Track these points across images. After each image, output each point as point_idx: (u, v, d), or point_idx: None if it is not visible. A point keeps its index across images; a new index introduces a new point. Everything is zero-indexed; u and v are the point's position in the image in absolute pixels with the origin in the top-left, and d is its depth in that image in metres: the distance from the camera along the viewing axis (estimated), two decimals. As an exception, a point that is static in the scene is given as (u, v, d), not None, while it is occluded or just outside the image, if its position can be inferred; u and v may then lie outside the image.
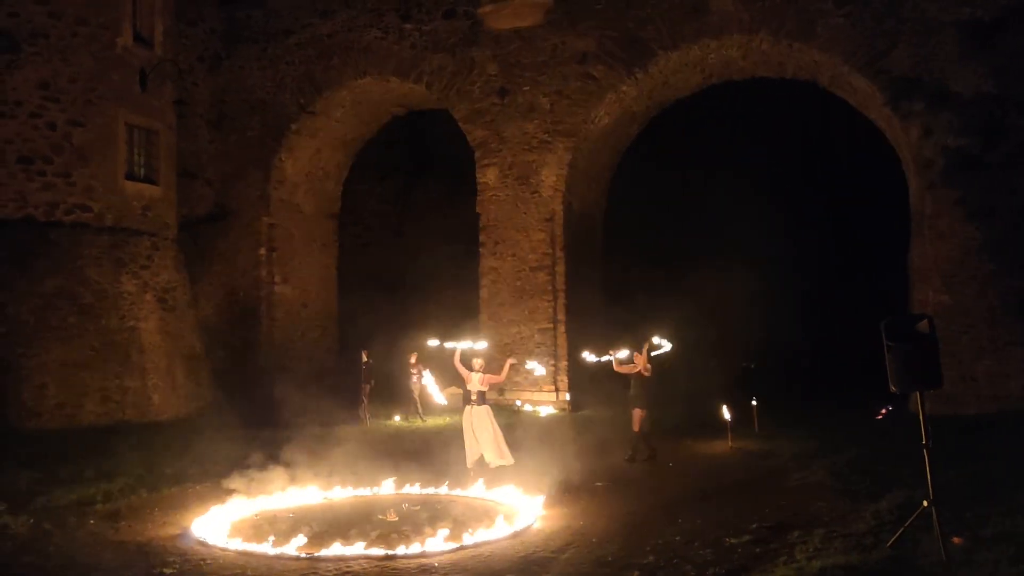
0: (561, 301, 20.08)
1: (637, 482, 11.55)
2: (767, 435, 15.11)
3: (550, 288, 20.05)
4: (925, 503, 7.45)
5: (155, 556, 8.17)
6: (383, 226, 28.23)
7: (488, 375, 12.11)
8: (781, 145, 23.55)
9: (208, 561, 7.95)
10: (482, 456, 11.64)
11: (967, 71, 16.68)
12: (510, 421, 15.89)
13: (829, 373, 21.28)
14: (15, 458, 12.91)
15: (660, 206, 23.98)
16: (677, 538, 8.27)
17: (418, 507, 10.07)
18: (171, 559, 8.04)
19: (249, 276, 22.60)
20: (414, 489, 11.10)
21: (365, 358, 19.35)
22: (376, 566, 7.64)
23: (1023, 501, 8.66)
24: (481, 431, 11.64)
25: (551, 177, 20.19)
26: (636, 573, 7.25)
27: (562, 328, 20.01)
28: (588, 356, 14.04)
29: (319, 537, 8.56)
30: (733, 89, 21.92)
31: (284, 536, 8.50)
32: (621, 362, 13.42)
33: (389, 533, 8.71)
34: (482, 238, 20.68)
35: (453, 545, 8.13)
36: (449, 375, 14.08)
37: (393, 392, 19.79)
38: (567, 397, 19.62)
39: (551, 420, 18.26)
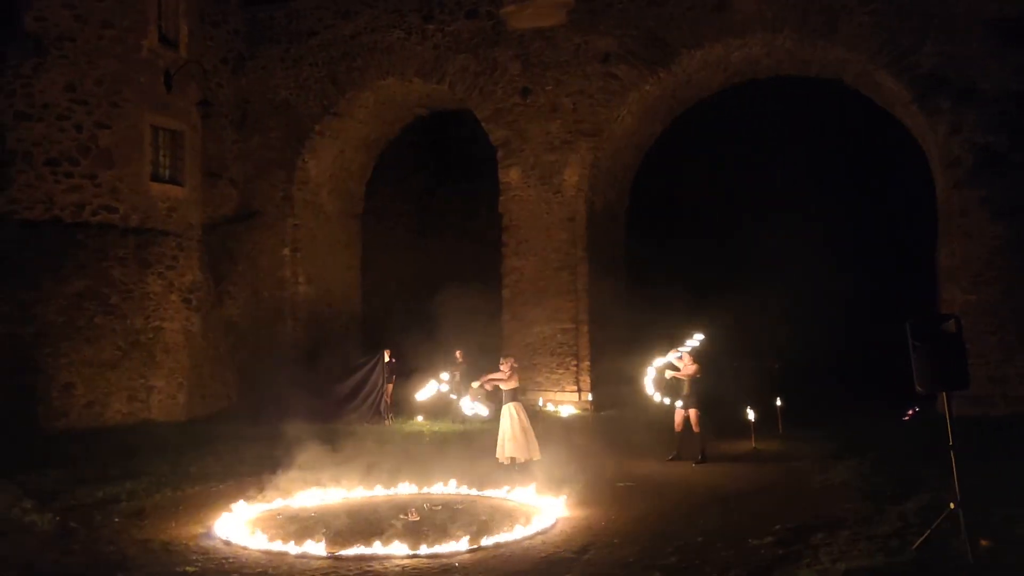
0: (583, 301, 20.02)
1: (658, 483, 11.49)
2: (791, 436, 15.00)
3: (572, 288, 19.99)
4: (952, 505, 7.35)
5: (178, 554, 8.23)
6: (406, 226, 28.29)
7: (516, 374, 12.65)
8: (806, 144, 23.34)
9: (231, 560, 8.00)
10: (529, 446, 12.04)
11: (994, 68, 16.44)
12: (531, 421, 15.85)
13: (855, 373, 21.06)
14: (42, 457, 13.09)
15: (684, 206, 23.86)
16: (699, 539, 8.22)
17: (440, 507, 10.08)
18: (194, 557, 8.10)
19: (273, 276, 22.71)
20: (436, 489, 11.11)
21: (387, 357, 19.40)
22: (397, 566, 7.65)
23: (1053, 504, 8.53)
24: (519, 427, 12.04)
25: (574, 177, 20.14)
26: (658, 574, 7.21)
27: (584, 328, 19.95)
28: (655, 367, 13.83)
29: (341, 537, 8.59)
30: (756, 88, 21.76)
31: (306, 535, 8.53)
32: (673, 366, 13.46)
33: (411, 533, 8.72)
34: (504, 238, 20.66)
35: (474, 545, 8.12)
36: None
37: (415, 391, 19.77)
38: (589, 397, 19.56)
39: (573, 420, 18.21)
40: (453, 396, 17.72)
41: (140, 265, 18.28)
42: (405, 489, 11.19)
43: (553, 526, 8.97)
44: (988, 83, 16.50)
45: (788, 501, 9.94)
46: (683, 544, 8.05)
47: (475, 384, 13.06)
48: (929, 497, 9.02)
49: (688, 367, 13.22)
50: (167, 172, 19.33)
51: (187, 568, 7.75)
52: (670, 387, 13.79)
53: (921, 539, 7.46)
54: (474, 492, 10.99)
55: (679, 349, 13.46)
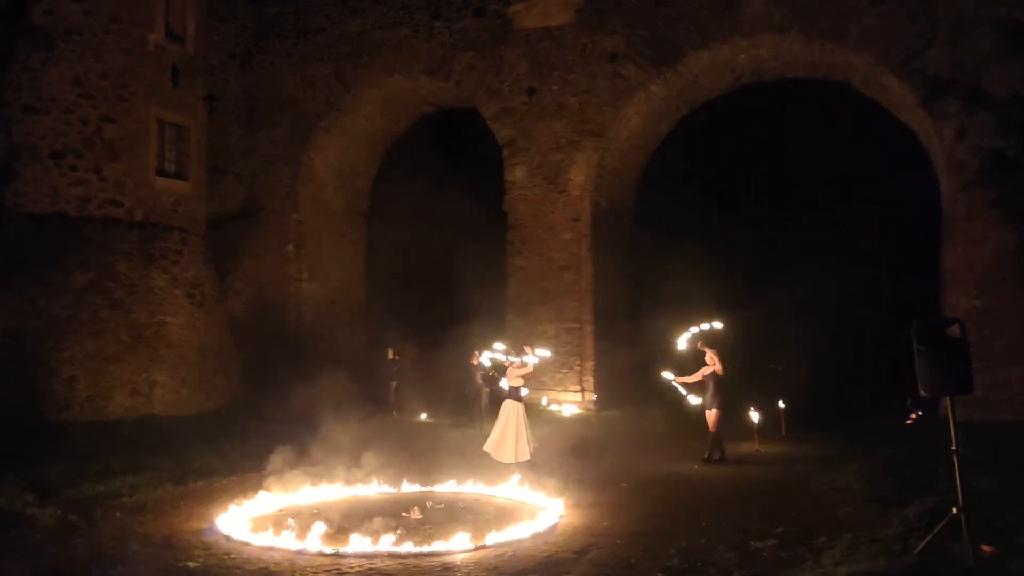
0: (588, 301, 20.01)
1: (661, 483, 11.48)
2: (795, 438, 14.97)
3: (577, 288, 19.99)
4: (955, 510, 7.33)
5: (180, 549, 8.24)
6: (411, 224, 28.25)
7: (522, 370, 12.83)
8: (811, 147, 23.27)
9: (233, 555, 8.00)
10: (516, 449, 12.06)
11: (1003, 72, 16.38)
12: (532, 420, 15.85)
13: (859, 376, 21.01)
14: (44, 450, 13.09)
15: (689, 207, 23.80)
16: (702, 540, 8.21)
17: (442, 505, 10.08)
18: (196, 552, 8.10)
19: (278, 272, 22.74)
20: (438, 487, 11.11)
21: (392, 356, 19.40)
22: (399, 563, 7.65)
23: (1056, 510, 8.50)
24: (517, 426, 12.17)
25: (579, 176, 20.13)
26: (660, 575, 7.20)
27: (588, 328, 19.95)
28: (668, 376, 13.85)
29: (343, 533, 8.58)
30: (763, 90, 21.73)
31: (308, 532, 8.53)
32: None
33: (413, 531, 8.72)
34: (510, 237, 20.66)
35: (476, 544, 8.12)
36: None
37: (423, 391, 19.75)
38: (593, 397, 19.55)
39: (575, 420, 18.20)
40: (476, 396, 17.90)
41: (145, 260, 18.29)
42: (408, 487, 11.19)
43: (555, 526, 8.96)
44: (996, 87, 16.44)
45: (791, 503, 9.92)
46: (685, 545, 8.04)
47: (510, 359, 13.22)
48: (932, 501, 8.99)
49: (710, 366, 13.23)
50: (173, 167, 19.33)
51: (189, 563, 7.75)
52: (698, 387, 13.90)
53: (923, 543, 7.44)
54: (477, 491, 10.99)
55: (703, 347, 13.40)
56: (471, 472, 11.58)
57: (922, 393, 7.61)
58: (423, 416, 18.79)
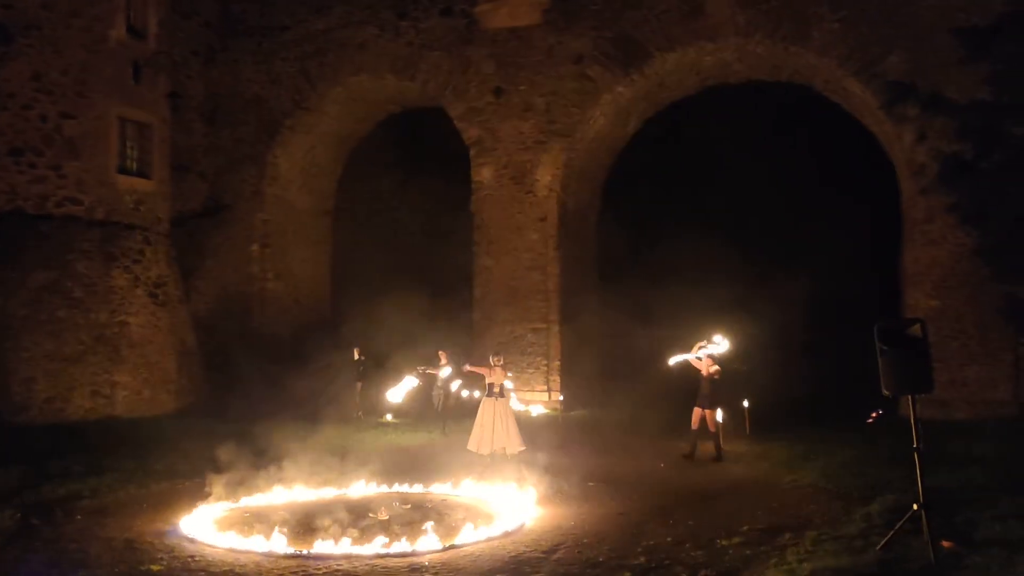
0: (555, 301, 20.07)
1: (628, 483, 11.53)
2: (759, 438, 15.12)
3: (544, 288, 20.04)
4: (915, 506, 7.46)
5: (143, 552, 8.11)
6: (378, 223, 28.15)
7: (504, 370, 13.32)
8: (775, 148, 23.53)
9: (196, 558, 7.90)
10: (498, 446, 12.59)
11: (962, 77, 16.70)
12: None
13: (820, 376, 21.28)
14: (2, 452, 12.82)
15: (654, 208, 23.96)
16: (668, 539, 8.26)
17: (409, 506, 10.04)
18: (159, 555, 7.98)
19: (242, 272, 22.52)
20: (405, 488, 11.07)
21: (357, 356, 19.28)
22: (366, 564, 7.60)
23: (1013, 506, 8.69)
24: (507, 420, 12.72)
25: (546, 177, 20.17)
26: (627, 574, 7.23)
27: (555, 328, 20.00)
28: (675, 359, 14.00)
29: (309, 535, 8.52)
30: (728, 92, 21.94)
31: (273, 533, 8.45)
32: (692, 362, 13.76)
33: (380, 531, 8.67)
34: (476, 237, 20.65)
35: (444, 544, 8.10)
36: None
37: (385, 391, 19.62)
38: (560, 397, 19.60)
39: (543, 420, 18.23)
40: (437, 399, 17.55)
41: (105, 258, 18.02)
42: (375, 488, 11.13)
43: (522, 525, 8.97)
44: (955, 91, 16.75)
45: (756, 502, 10.02)
46: (652, 544, 8.09)
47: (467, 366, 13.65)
48: (894, 499, 9.15)
49: (708, 367, 13.41)
50: (134, 165, 19.07)
51: (152, 567, 7.64)
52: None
53: (885, 540, 7.56)
54: (445, 491, 10.97)
55: (702, 347, 13.55)
56: (439, 473, 11.56)
57: (885, 392, 7.74)
58: (388, 417, 18.70)
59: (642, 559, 7.60)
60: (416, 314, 18.95)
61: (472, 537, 8.36)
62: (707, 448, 13.42)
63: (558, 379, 19.88)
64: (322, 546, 8.02)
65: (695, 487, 11.17)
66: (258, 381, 17.27)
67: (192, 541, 8.42)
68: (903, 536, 7.53)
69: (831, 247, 21.56)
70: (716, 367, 13.40)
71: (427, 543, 8.07)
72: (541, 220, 20.19)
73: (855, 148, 21.26)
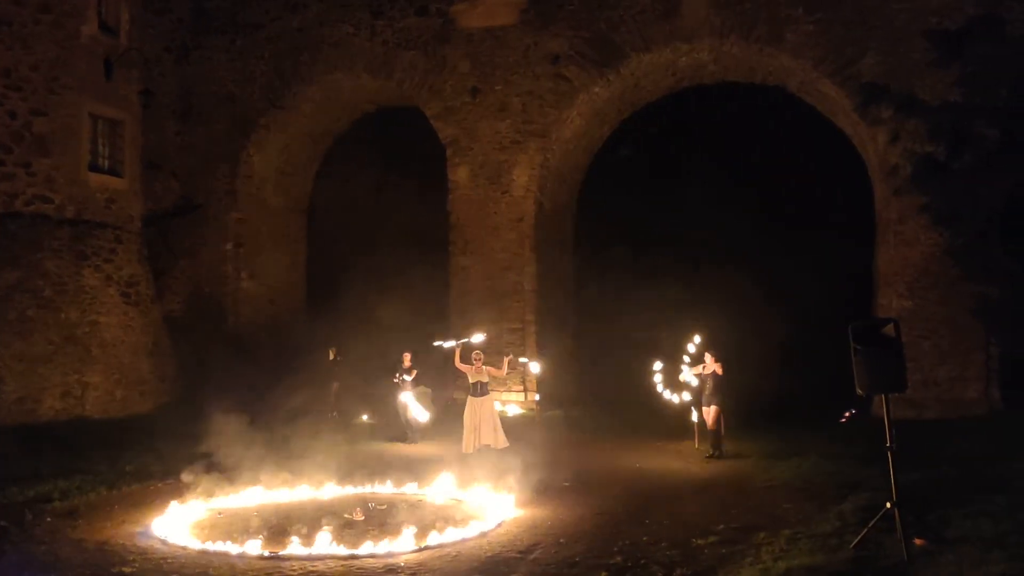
0: (531, 302, 20.04)
1: (604, 482, 11.55)
2: (734, 437, 15.18)
3: (520, 288, 20.00)
4: (888, 505, 7.54)
5: (114, 554, 8.02)
6: (353, 222, 27.99)
7: (489, 367, 13.30)
8: (750, 149, 23.68)
9: (169, 560, 7.82)
10: (483, 444, 12.76)
11: (934, 79, 16.90)
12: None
13: (793, 376, 21.44)
14: (-29, 454, 12.64)
15: (630, 208, 24.02)
16: (644, 538, 8.28)
17: (385, 506, 10.00)
18: (131, 557, 7.90)
19: (215, 271, 22.30)
20: (380, 488, 11.02)
21: (332, 356, 19.17)
22: (341, 565, 7.56)
23: (984, 504, 8.79)
24: (488, 418, 12.87)
25: (523, 177, 20.15)
26: (604, 573, 7.24)
27: (532, 328, 19.97)
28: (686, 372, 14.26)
29: (283, 536, 8.45)
30: (704, 93, 22.05)
31: (247, 535, 8.38)
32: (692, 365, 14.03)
33: (355, 532, 8.63)
34: (452, 237, 20.59)
35: (420, 545, 8.07)
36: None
37: (364, 394, 19.46)
38: (536, 397, 19.57)
39: (519, 420, 18.21)
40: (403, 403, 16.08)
41: (76, 257, 17.78)
42: (350, 488, 11.07)
43: (499, 525, 8.96)
44: (928, 93, 16.96)
45: (731, 501, 10.07)
46: (628, 543, 8.10)
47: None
48: (867, 497, 9.23)
49: (710, 365, 13.57)
50: (106, 162, 18.84)
51: (124, 569, 7.55)
52: (687, 386, 14.36)
53: (859, 538, 7.63)
54: (420, 491, 10.93)
55: (701, 363, 13.78)
56: (413, 473, 11.52)
57: (858, 391, 7.81)
58: (364, 417, 18.60)
59: (618, 558, 7.61)
60: (392, 314, 18.85)
61: (449, 537, 8.33)
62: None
63: (534, 379, 19.85)
64: (296, 547, 7.96)
65: (671, 487, 11.21)
66: (232, 382, 17.11)
67: (165, 543, 8.34)
68: (876, 534, 7.60)
69: (804, 248, 21.71)
70: (718, 364, 13.56)
71: (403, 543, 8.04)
72: (518, 220, 20.16)
73: (828, 150, 21.42)
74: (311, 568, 7.50)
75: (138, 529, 8.93)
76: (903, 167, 17.11)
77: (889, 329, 7.76)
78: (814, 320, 19.68)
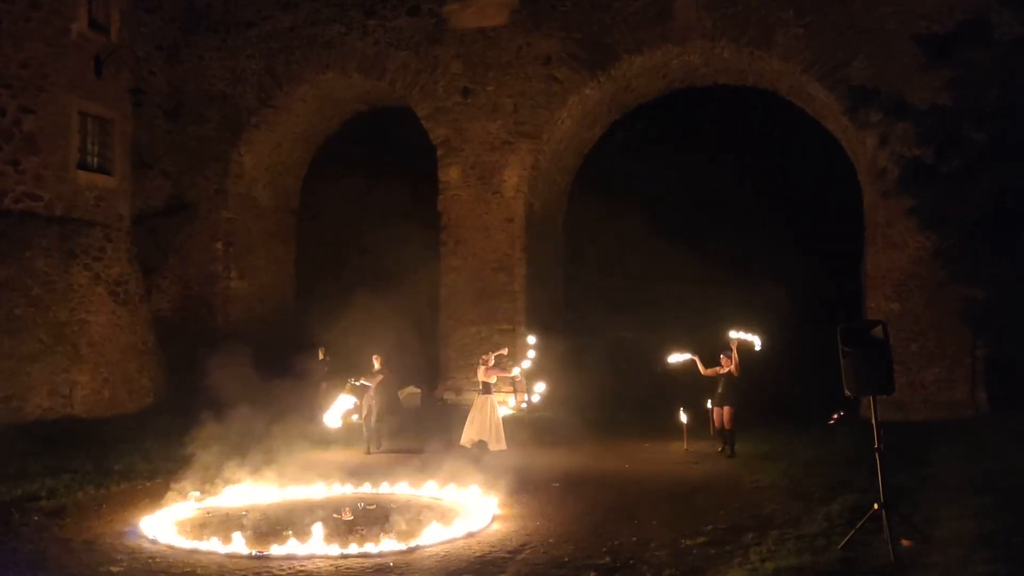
0: (521, 303, 20.06)
1: (593, 483, 11.57)
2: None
3: (510, 289, 20.02)
4: (876, 506, 7.58)
5: (102, 554, 7.99)
6: (343, 222, 27.93)
7: (495, 369, 14.55)
8: (739, 151, 23.73)
9: (157, 559, 7.79)
10: (480, 439, 13.42)
11: (923, 83, 17.00)
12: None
13: (783, 378, 21.52)
14: (-43, 452, 12.57)
15: (620, 210, 24.04)
16: (633, 539, 8.30)
17: (374, 506, 9.99)
18: (119, 557, 7.87)
19: (205, 270, 22.23)
20: (369, 488, 11.01)
21: (322, 356, 19.12)
22: (330, 565, 7.55)
23: (970, 505, 8.86)
24: (491, 417, 13.60)
25: (513, 178, 20.16)
26: (592, 574, 7.26)
27: (521, 329, 19.97)
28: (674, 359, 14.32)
29: (272, 535, 8.44)
30: (695, 95, 22.10)
31: (236, 534, 8.36)
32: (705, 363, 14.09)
33: (344, 532, 8.62)
34: (443, 237, 20.58)
35: (409, 545, 8.06)
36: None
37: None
38: (535, 398, 19.58)
39: (509, 421, 18.20)
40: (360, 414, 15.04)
41: (65, 256, 17.69)
42: (339, 488, 11.06)
43: (488, 525, 8.96)
44: (917, 97, 17.06)
45: (720, 501, 10.10)
46: (617, 544, 8.12)
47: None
48: (855, 498, 9.28)
49: (726, 365, 13.67)
50: (95, 161, 18.75)
51: (111, 568, 7.52)
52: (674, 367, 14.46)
53: (846, 538, 7.67)
54: (409, 491, 10.92)
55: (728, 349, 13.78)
56: (402, 473, 11.51)
57: (847, 393, 7.85)
58: (354, 417, 18.56)
59: (607, 559, 7.63)
60: (382, 314, 18.83)
61: (438, 537, 8.33)
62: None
63: (524, 380, 19.85)
64: (285, 547, 7.95)
65: (659, 487, 11.23)
66: (221, 381, 17.06)
67: (153, 542, 8.32)
68: (864, 535, 7.64)
69: (794, 251, 21.78)
70: (733, 364, 13.63)
71: (392, 543, 8.04)
72: (508, 221, 20.17)
73: (818, 153, 21.49)
74: (300, 568, 7.49)
75: (126, 528, 8.90)
76: (892, 170, 17.21)
77: (877, 331, 7.80)
78: (801, 322, 19.72)
